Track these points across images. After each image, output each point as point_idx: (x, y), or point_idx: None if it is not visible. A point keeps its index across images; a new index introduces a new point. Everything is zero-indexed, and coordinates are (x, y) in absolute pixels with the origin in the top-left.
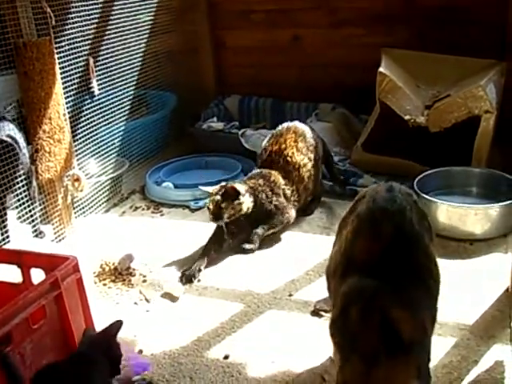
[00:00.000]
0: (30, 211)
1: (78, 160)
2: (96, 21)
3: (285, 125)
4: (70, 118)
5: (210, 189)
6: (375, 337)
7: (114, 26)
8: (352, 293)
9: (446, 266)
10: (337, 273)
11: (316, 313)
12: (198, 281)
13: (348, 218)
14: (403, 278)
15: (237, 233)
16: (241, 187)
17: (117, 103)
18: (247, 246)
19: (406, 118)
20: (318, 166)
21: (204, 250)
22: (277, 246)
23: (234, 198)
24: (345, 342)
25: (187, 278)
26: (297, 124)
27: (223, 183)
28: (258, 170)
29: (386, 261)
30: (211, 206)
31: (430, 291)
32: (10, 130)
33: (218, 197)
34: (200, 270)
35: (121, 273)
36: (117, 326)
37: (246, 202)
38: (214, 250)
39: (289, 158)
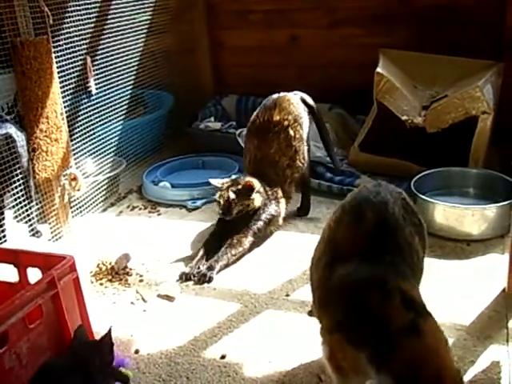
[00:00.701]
0: (26, 210)
1: (75, 159)
2: (94, 20)
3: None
4: (67, 117)
5: (219, 182)
6: (403, 313)
7: (111, 26)
8: (362, 282)
9: (442, 267)
10: (321, 261)
11: (313, 313)
12: (199, 281)
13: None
14: (391, 257)
15: (231, 231)
16: (257, 183)
17: (114, 103)
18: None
19: (404, 118)
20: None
21: (203, 251)
22: (274, 245)
23: (247, 194)
24: (365, 328)
25: (186, 277)
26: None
27: (234, 177)
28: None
29: (371, 245)
30: (222, 200)
31: (413, 268)
32: (8, 129)
33: (231, 192)
34: (199, 269)
35: (118, 272)
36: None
37: (257, 200)
38: (212, 251)
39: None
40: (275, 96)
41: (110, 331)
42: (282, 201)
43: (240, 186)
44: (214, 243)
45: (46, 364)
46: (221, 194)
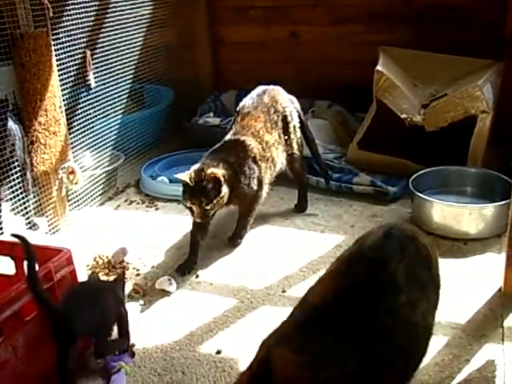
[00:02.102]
0: (23, 203)
1: (73, 153)
2: (94, 13)
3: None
4: (66, 110)
5: (185, 176)
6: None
7: (111, 19)
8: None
9: (439, 265)
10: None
11: None
12: (196, 276)
13: None
14: (339, 335)
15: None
16: (221, 172)
17: (113, 96)
18: (238, 242)
19: (403, 116)
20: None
21: (192, 244)
22: (270, 242)
23: (216, 189)
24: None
25: (182, 272)
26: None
27: (195, 167)
28: (230, 138)
29: (334, 309)
30: (195, 208)
31: (374, 359)
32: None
33: (203, 198)
34: (195, 263)
35: (114, 266)
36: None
37: (226, 192)
38: (201, 240)
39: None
40: (265, 86)
41: (123, 272)
42: (256, 157)
43: (207, 184)
44: (200, 234)
45: (82, 282)
46: (192, 200)
